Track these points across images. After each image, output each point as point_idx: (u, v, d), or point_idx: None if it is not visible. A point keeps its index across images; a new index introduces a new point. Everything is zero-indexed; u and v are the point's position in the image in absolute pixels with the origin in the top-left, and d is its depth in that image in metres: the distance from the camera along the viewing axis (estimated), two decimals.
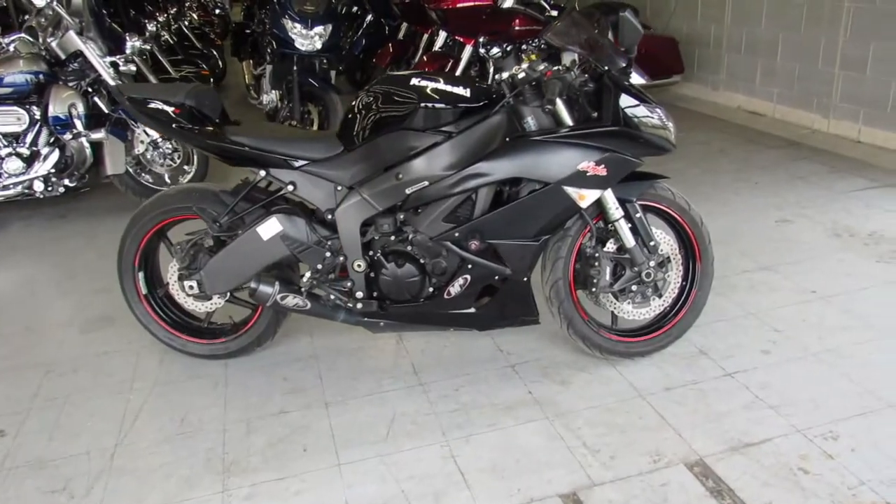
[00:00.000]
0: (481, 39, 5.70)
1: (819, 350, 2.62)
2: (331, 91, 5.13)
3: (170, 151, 4.63)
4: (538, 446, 2.23)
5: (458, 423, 2.36)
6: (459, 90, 2.34)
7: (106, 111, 4.42)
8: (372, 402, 2.50)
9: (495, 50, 5.92)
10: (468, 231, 2.38)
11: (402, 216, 2.44)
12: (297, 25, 5.02)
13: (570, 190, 2.32)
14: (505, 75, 2.40)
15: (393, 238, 2.46)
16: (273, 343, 2.84)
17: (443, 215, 2.38)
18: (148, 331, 2.77)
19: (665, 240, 2.58)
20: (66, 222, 4.53)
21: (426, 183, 2.35)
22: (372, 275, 2.50)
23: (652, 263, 2.52)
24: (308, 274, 2.53)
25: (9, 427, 2.46)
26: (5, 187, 4.24)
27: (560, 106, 2.33)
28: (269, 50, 5.48)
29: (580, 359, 2.65)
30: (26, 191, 4.30)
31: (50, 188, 4.35)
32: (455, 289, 2.46)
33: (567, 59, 2.37)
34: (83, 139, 4.28)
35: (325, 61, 5.32)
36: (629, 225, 2.46)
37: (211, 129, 2.48)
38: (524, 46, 6.02)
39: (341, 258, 2.50)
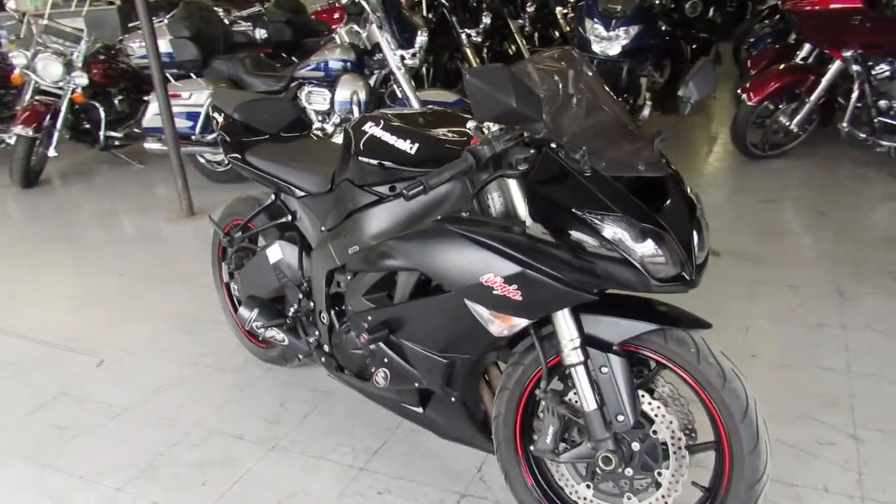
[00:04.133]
0: (849, 53, 4.31)
1: None
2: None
3: None
4: None
5: None
6: (403, 145, 1.85)
7: (398, 98, 4.76)
8: (304, 466, 2.27)
9: (881, 67, 4.43)
10: (379, 317, 1.91)
11: (349, 277, 2.09)
12: (598, 26, 4.52)
13: (478, 308, 1.65)
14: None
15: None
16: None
17: (363, 290, 1.96)
18: (224, 315, 3.00)
19: (664, 419, 1.65)
20: None
21: (357, 248, 1.96)
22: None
23: (636, 446, 1.66)
24: (292, 310, 2.40)
25: None
26: None
27: (512, 188, 1.65)
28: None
29: None
30: None
31: None
32: (379, 378, 2.02)
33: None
34: None
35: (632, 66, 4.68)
36: (590, 379, 1.65)
37: (239, 143, 2.49)
38: None
39: (312, 304, 2.29)
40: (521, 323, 1.64)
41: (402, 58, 4.66)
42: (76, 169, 6.38)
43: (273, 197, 2.44)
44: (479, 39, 5.59)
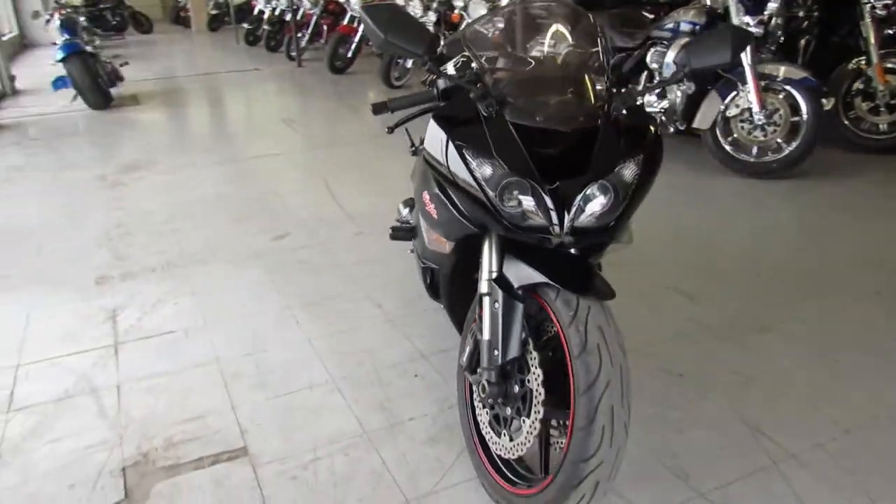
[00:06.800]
0: None
1: None
2: None
3: (761, 124, 4.36)
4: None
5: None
6: (451, 71, 2.10)
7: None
8: (392, 339, 2.78)
9: None
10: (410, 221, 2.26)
11: None
12: None
13: (422, 220, 1.90)
14: None
15: None
16: None
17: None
18: None
19: (534, 371, 1.68)
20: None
21: None
22: None
23: (515, 389, 1.75)
24: None
25: None
26: None
27: None
28: None
29: None
30: None
31: (661, 125, 4.91)
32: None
33: None
34: (683, 88, 4.59)
35: None
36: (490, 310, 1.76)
37: None
38: None
39: None
40: (444, 242, 1.84)
41: (747, 24, 4.34)
42: None
43: None
44: (884, 13, 4.68)
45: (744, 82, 4.35)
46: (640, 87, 1.72)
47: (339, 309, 3.04)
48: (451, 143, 1.65)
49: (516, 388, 1.74)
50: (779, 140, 4.40)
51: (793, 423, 2.17)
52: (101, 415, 2.35)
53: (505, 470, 1.87)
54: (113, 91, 8.15)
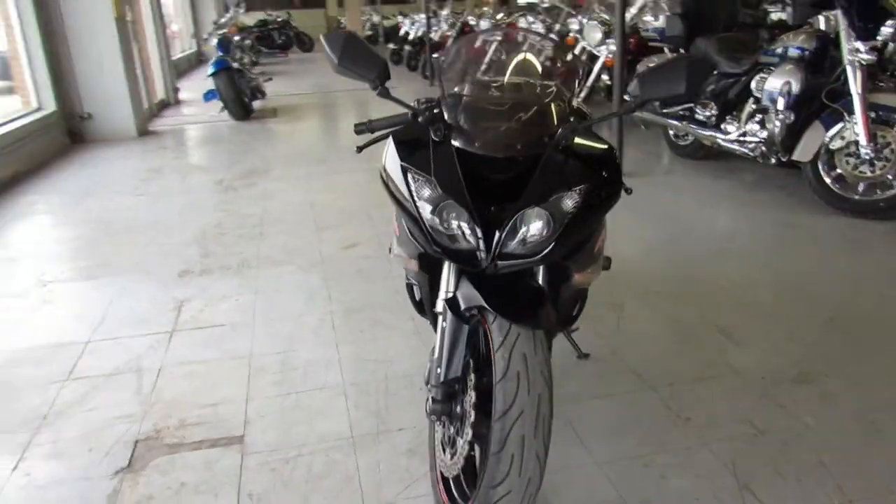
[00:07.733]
0: None
1: None
2: None
3: (869, 158, 3.99)
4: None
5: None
6: None
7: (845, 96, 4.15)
8: (409, 345, 2.85)
9: None
10: None
11: None
12: None
13: (393, 240, 1.97)
14: None
15: None
16: None
17: None
18: None
19: (469, 394, 1.70)
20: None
21: None
22: None
23: (458, 409, 1.77)
24: None
25: None
26: (745, 143, 4.75)
27: None
28: None
29: None
30: (748, 151, 4.71)
31: (762, 156, 4.61)
32: None
33: None
34: (781, 118, 4.29)
35: None
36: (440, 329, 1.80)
37: None
38: None
39: None
40: (409, 260, 1.90)
41: (857, 50, 4.00)
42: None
43: None
44: None
45: (851, 112, 4.01)
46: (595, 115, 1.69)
47: (376, 317, 3.16)
48: (399, 163, 1.72)
49: (458, 409, 1.76)
50: (889, 176, 4.00)
51: (790, 484, 2.00)
52: (138, 392, 2.63)
53: (453, 487, 1.89)
54: (256, 104, 8.89)
